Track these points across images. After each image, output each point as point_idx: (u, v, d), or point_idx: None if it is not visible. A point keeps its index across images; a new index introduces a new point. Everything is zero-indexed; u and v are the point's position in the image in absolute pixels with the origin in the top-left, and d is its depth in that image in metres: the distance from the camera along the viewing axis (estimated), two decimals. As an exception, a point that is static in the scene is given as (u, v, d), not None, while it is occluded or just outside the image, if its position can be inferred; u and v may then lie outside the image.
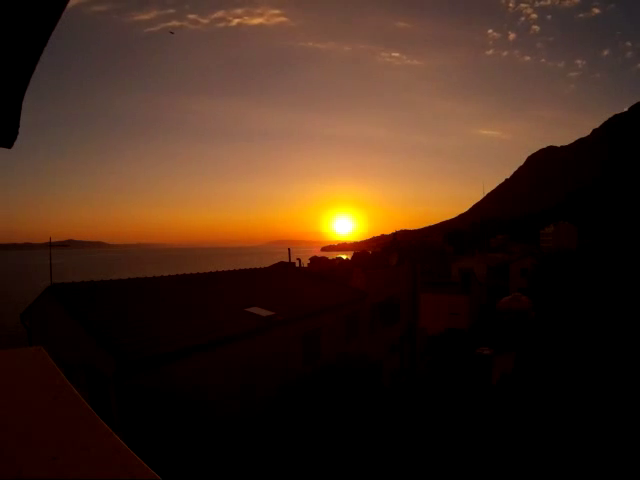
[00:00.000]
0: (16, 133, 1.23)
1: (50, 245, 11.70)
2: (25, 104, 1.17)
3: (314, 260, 19.76)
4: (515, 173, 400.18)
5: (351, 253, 22.92)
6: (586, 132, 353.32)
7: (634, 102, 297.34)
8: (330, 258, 20.91)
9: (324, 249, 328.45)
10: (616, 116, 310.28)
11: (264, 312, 11.05)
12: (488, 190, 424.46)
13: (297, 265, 19.31)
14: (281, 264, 19.55)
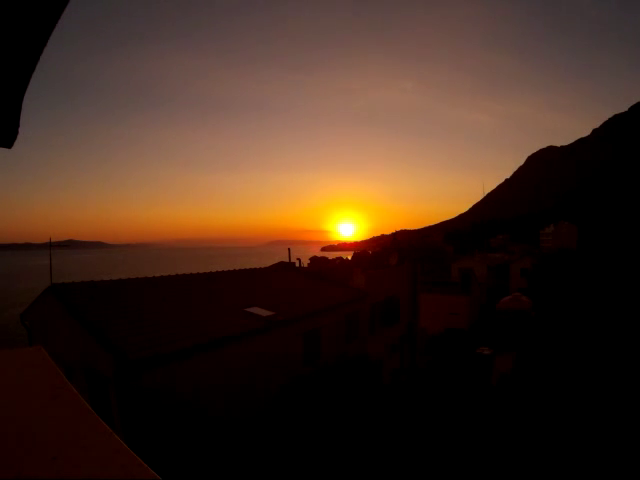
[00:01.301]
0: (16, 133, 1.23)
1: (50, 245, 11.66)
2: (25, 104, 1.17)
3: (314, 260, 19.76)
4: (515, 173, 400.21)
5: (351, 253, 22.90)
6: (586, 132, 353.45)
7: (634, 102, 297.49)
8: (330, 258, 20.91)
9: (324, 249, 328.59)
10: (616, 116, 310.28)
11: (264, 312, 11.04)
12: (488, 190, 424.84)
13: (297, 265, 19.30)
14: (281, 264, 19.54)
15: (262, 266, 19.14)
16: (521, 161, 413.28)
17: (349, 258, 21.96)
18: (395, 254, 20.87)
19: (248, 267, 17.24)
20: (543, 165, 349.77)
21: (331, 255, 23.86)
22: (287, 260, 19.34)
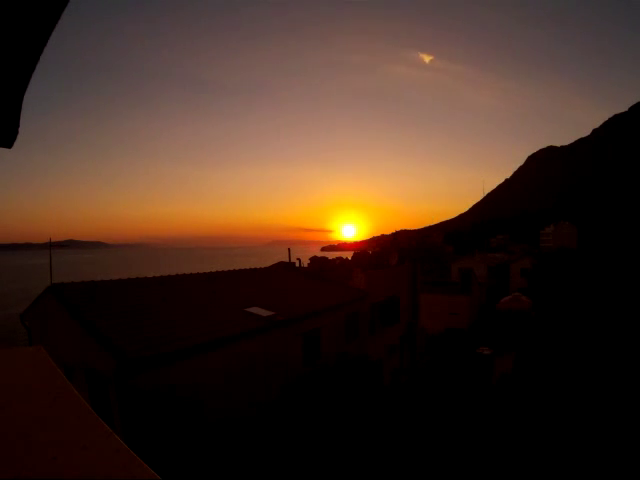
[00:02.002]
0: (16, 133, 1.23)
1: (50, 245, 11.66)
2: (25, 104, 1.17)
3: (314, 260, 19.74)
4: (515, 173, 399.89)
5: (351, 253, 22.89)
6: (586, 132, 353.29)
7: (634, 102, 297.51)
8: (330, 258, 20.89)
9: (324, 249, 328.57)
10: (616, 116, 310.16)
11: (264, 312, 11.04)
12: (488, 190, 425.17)
13: (297, 265, 19.30)
14: (281, 264, 19.54)
15: (262, 266, 19.13)
16: (521, 161, 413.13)
17: (349, 258, 21.94)
18: (395, 254, 20.87)
19: (248, 267, 17.24)
20: (543, 165, 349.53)
21: (331, 255, 23.84)
22: (287, 260, 19.34)
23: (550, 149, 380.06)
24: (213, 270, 15.30)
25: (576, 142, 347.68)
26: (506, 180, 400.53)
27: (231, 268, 16.09)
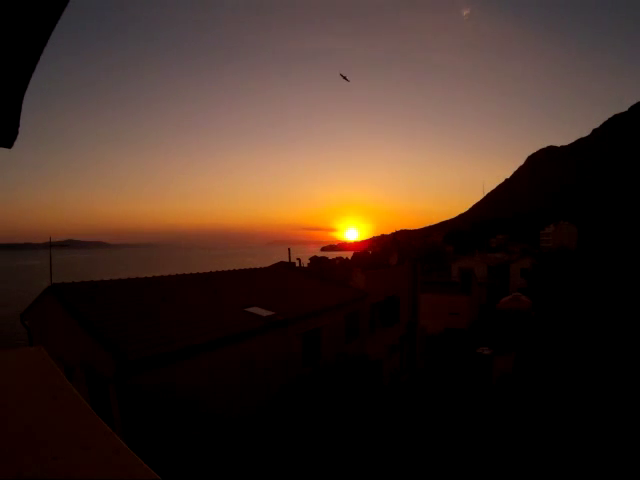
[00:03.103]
0: (16, 133, 1.23)
1: (50, 245, 11.67)
2: (25, 104, 1.17)
3: (314, 260, 19.75)
4: (515, 173, 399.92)
5: (351, 253, 22.90)
6: (586, 132, 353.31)
7: (634, 102, 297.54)
8: (330, 258, 20.90)
9: (324, 249, 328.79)
10: (616, 116, 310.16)
11: (264, 312, 11.05)
12: (488, 190, 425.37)
13: (297, 265, 19.30)
14: (281, 264, 19.54)
15: (262, 266, 19.13)
16: (521, 161, 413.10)
17: (349, 258, 21.95)
18: (395, 254, 20.86)
19: (248, 267, 17.23)
20: (543, 165, 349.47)
21: (331, 255, 23.86)
22: (287, 260, 19.34)
23: (550, 149, 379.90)
24: (213, 270, 15.31)
25: (576, 142, 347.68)
26: (506, 180, 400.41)
27: (231, 268, 16.09)
